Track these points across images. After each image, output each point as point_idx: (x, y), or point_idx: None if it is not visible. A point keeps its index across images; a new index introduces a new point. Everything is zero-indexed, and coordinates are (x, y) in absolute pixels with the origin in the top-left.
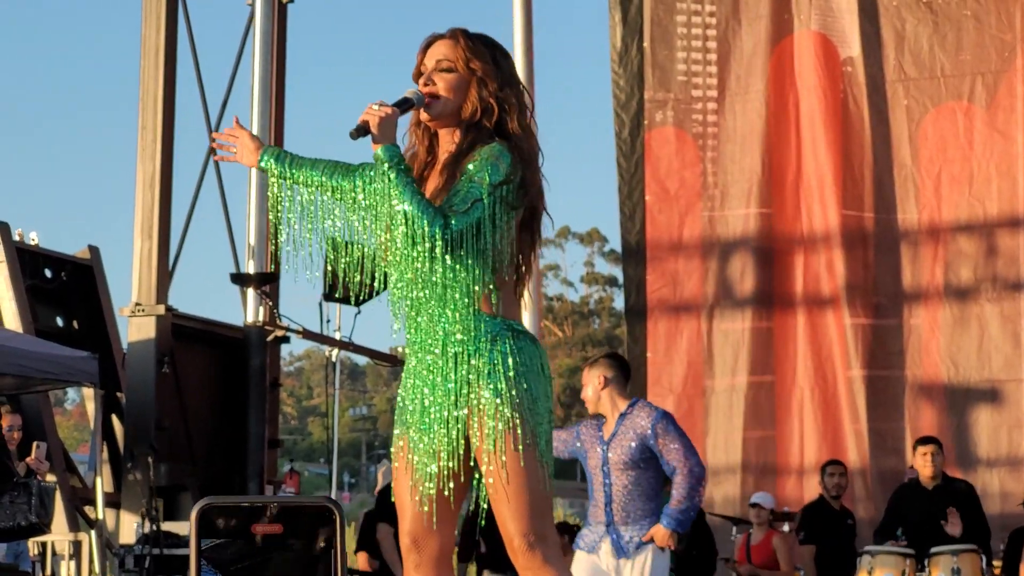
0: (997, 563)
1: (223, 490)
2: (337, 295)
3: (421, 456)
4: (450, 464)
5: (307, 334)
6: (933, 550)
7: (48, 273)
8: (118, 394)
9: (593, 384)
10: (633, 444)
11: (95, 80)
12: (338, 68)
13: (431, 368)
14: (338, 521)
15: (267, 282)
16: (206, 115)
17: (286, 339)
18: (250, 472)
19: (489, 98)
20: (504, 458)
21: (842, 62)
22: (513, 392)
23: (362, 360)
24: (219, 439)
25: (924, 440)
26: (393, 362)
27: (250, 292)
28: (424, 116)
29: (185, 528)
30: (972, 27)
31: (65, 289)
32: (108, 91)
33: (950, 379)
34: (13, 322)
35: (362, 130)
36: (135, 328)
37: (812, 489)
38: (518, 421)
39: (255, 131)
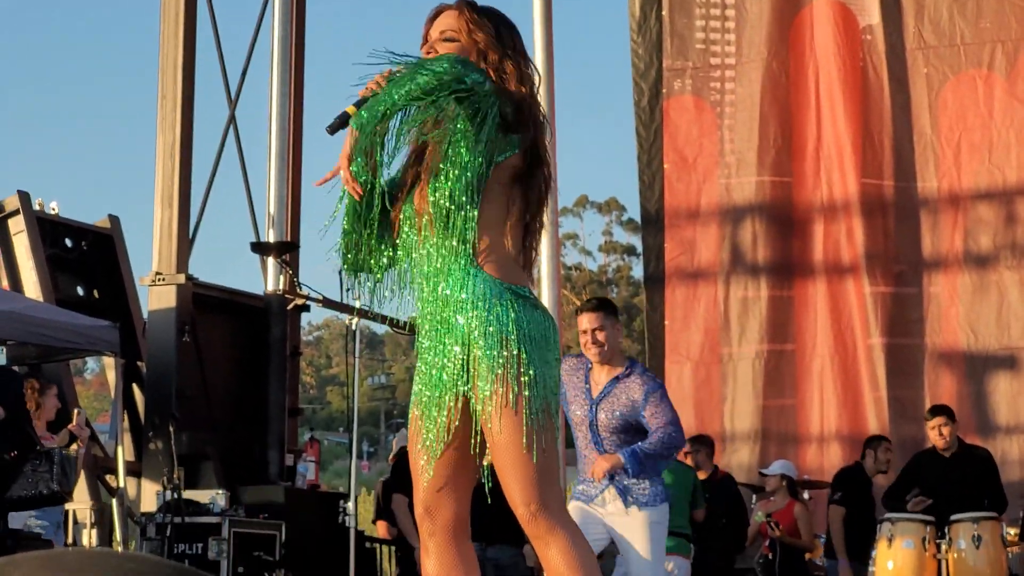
0: (1014, 530)
1: (244, 458)
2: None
3: (427, 422)
4: (449, 429)
5: (327, 302)
6: (953, 517)
7: (69, 242)
8: (139, 363)
9: (615, 336)
10: (625, 411)
11: (115, 49)
12: (358, 34)
13: (436, 332)
14: None
15: (287, 251)
16: (226, 83)
17: (306, 308)
18: (270, 440)
19: (488, 69)
20: (499, 424)
21: (861, 30)
22: (506, 355)
23: (381, 329)
24: (240, 408)
25: (933, 411)
26: (412, 331)
27: (270, 261)
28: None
29: (207, 496)
30: None
31: (86, 258)
32: (128, 59)
33: (969, 347)
34: (34, 291)
35: (343, 121)
36: (155, 297)
37: (833, 457)
38: (512, 387)
39: (275, 99)
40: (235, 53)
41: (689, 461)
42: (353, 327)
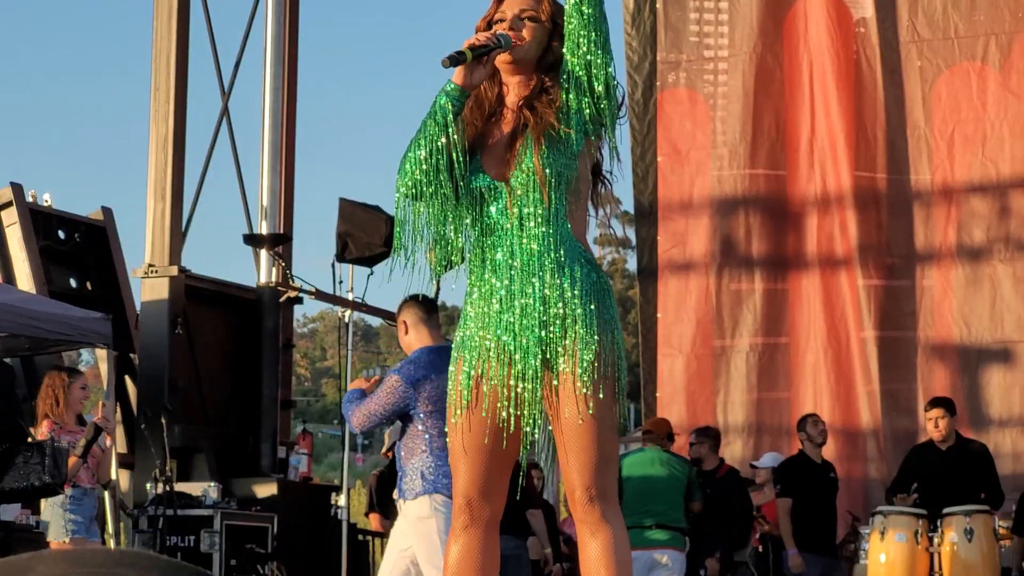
0: (1006, 523)
1: (236, 451)
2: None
3: (516, 396)
4: (547, 407)
5: (320, 295)
6: (946, 511)
7: (62, 234)
8: (131, 355)
9: (400, 331)
10: None
11: (108, 41)
12: (352, 27)
13: (524, 292)
14: None
15: (280, 243)
16: (219, 76)
17: (299, 300)
18: (263, 433)
19: (557, 50)
20: (587, 406)
21: (855, 23)
22: (608, 340)
23: (376, 321)
24: (232, 400)
25: (933, 403)
26: None
27: (263, 253)
28: (506, 57)
29: (199, 489)
30: None
31: (78, 250)
32: (121, 52)
33: (962, 340)
34: (27, 283)
35: (457, 59)
36: (148, 289)
37: (826, 451)
38: (606, 372)
39: (268, 91)
40: (228, 45)
41: (687, 453)
42: (346, 320)
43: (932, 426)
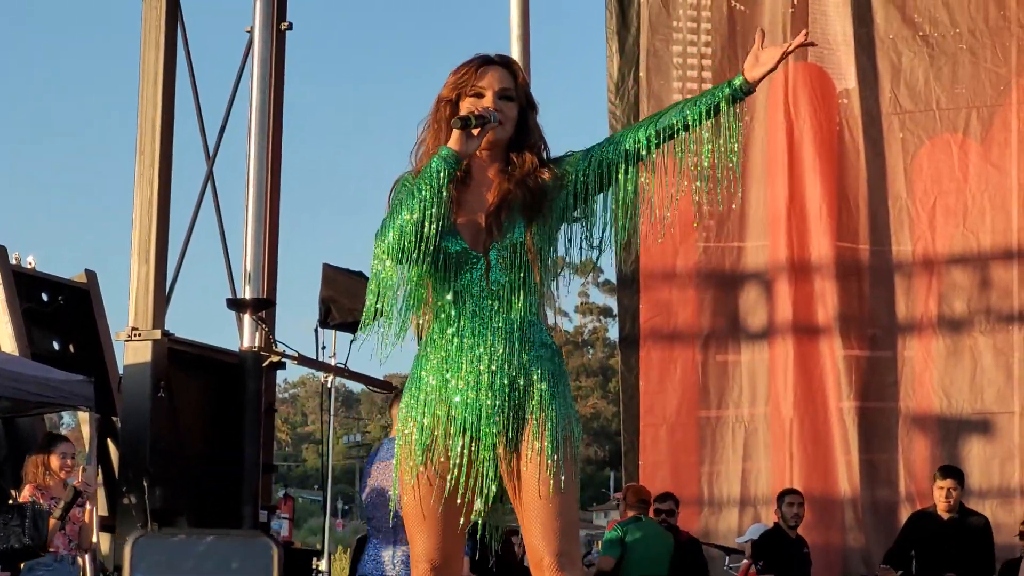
0: None
1: (218, 514)
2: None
3: (477, 465)
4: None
5: (303, 360)
6: None
7: (45, 297)
8: (113, 418)
9: None
10: None
11: (94, 104)
12: (336, 94)
13: (492, 362)
14: (275, 554)
15: (263, 308)
16: (204, 141)
17: (282, 365)
18: (245, 496)
19: (537, 129)
20: (559, 476)
21: (838, 94)
22: (571, 403)
23: (357, 388)
24: (214, 463)
25: (944, 473)
26: (388, 389)
27: (246, 318)
28: (487, 136)
29: None
30: (968, 61)
31: (62, 313)
32: (107, 115)
33: (943, 411)
34: (9, 345)
35: (465, 123)
36: (131, 352)
37: (804, 518)
38: (575, 434)
39: (252, 157)
40: (214, 110)
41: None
42: (329, 385)
43: (943, 495)
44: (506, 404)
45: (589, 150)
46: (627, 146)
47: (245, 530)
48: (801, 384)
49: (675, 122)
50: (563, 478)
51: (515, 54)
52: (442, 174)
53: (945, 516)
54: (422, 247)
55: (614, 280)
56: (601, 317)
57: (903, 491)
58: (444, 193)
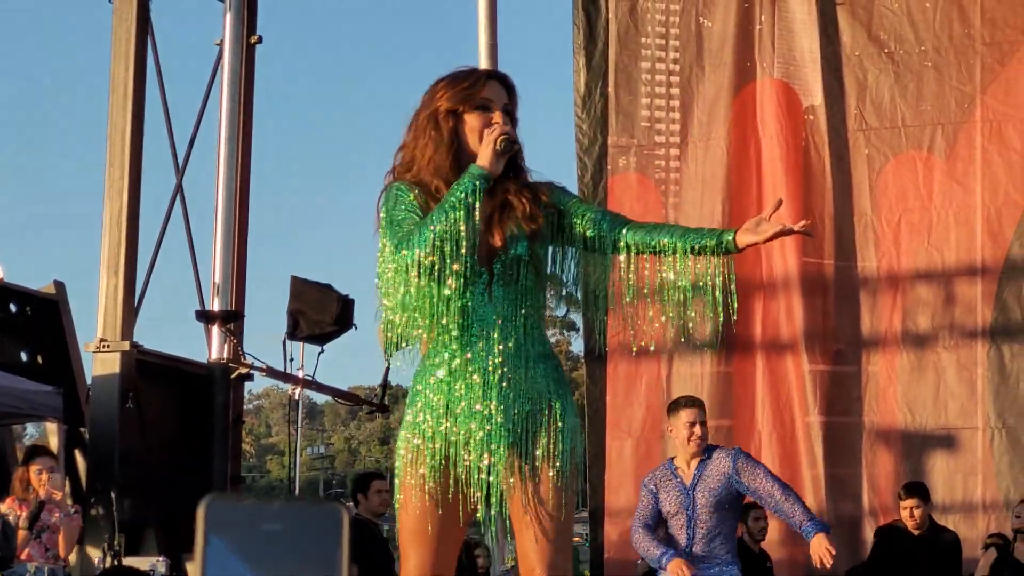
0: None
1: (185, 525)
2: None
3: (489, 484)
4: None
5: (271, 372)
6: None
7: (13, 308)
8: (81, 429)
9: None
10: (719, 486)
11: (63, 115)
12: (305, 107)
13: (498, 377)
14: (345, 521)
15: (231, 320)
16: (173, 153)
17: (250, 377)
18: None
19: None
20: (563, 495)
21: (804, 110)
22: (577, 416)
23: (321, 399)
24: (182, 474)
25: (908, 492)
26: (355, 401)
27: (215, 329)
28: (503, 160)
29: (147, 564)
30: (933, 78)
31: (30, 324)
32: (76, 127)
33: (907, 426)
34: None
35: (510, 147)
36: (100, 364)
37: (771, 531)
38: (579, 446)
39: (222, 170)
40: (183, 122)
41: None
42: (296, 397)
43: (907, 515)
44: (514, 418)
45: (583, 205)
46: (615, 236)
47: (315, 496)
48: (769, 398)
49: (663, 243)
50: (568, 494)
51: (482, 66)
52: (479, 191)
53: (915, 532)
54: (452, 260)
55: (577, 294)
56: (564, 331)
57: (867, 505)
58: (477, 211)
